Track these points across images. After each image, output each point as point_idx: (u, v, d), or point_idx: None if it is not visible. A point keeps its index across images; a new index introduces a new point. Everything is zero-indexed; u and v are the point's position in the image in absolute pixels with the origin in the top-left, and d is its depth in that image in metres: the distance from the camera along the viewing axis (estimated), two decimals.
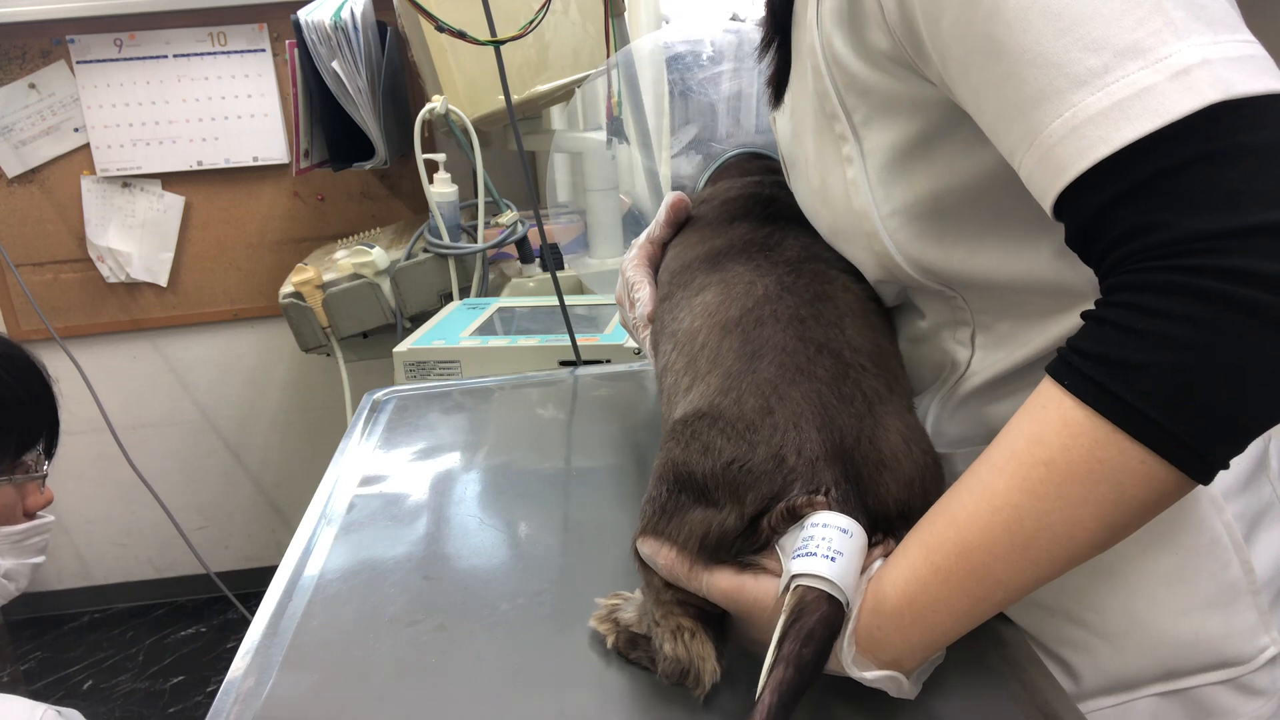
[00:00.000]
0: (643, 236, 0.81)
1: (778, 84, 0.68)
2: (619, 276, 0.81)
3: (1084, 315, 0.45)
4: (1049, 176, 0.44)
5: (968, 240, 0.57)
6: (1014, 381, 0.61)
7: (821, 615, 0.46)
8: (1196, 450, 0.41)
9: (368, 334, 1.87)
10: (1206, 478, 0.43)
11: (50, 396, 1.00)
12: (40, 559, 1.01)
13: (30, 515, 0.99)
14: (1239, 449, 0.42)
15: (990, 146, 0.49)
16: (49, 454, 1.02)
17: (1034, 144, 0.44)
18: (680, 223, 0.80)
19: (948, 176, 0.55)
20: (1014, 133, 0.45)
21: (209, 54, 2.19)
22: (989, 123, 0.48)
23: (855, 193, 0.59)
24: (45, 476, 1.01)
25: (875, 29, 0.53)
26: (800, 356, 0.56)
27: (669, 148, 1.39)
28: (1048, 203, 0.45)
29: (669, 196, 0.80)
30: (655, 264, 0.80)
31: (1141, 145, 0.41)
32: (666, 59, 1.21)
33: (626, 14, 1.56)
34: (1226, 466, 0.43)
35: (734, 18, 2.12)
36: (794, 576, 0.48)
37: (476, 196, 1.77)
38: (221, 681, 0.60)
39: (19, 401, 0.97)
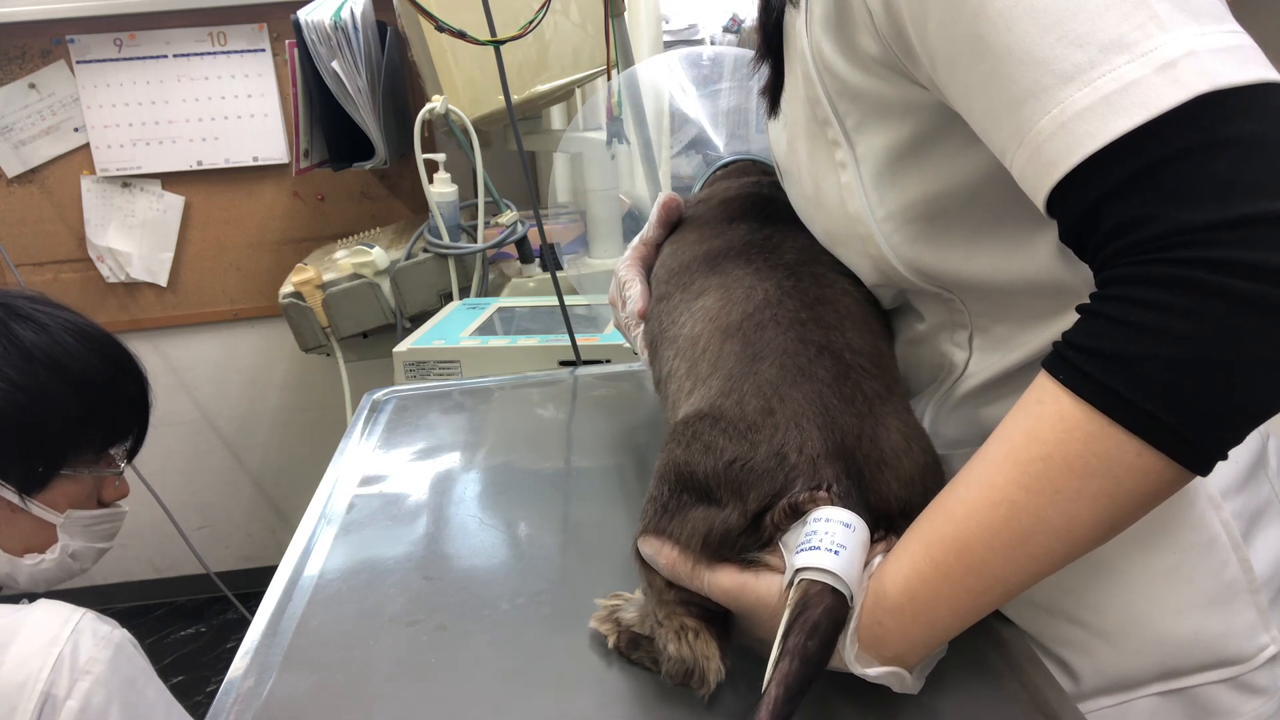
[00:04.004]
0: (636, 239, 0.81)
1: (773, 93, 0.68)
2: (612, 278, 0.82)
3: (1079, 309, 0.45)
4: (1040, 173, 0.44)
5: (964, 242, 0.57)
6: (1010, 383, 0.61)
7: (826, 608, 0.47)
8: (1193, 442, 0.42)
9: (368, 334, 1.87)
10: (1204, 469, 0.43)
11: (144, 396, 1.04)
12: (108, 545, 1.06)
13: (105, 504, 1.04)
14: (1236, 440, 0.42)
15: (983, 148, 0.49)
16: (133, 452, 1.07)
17: (1024, 141, 0.44)
18: (673, 223, 0.80)
19: (942, 179, 0.55)
20: (1004, 131, 0.46)
21: (209, 54, 2.19)
22: (979, 122, 0.48)
23: (850, 197, 0.59)
24: (122, 471, 1.06)
25: (864, 34, 0.53)
26: (801, 358, 0.56)
27: (669, 148, 1.39)
28: (1040, 200, 0.45)
29: (660, 197, 0.80)
30: (648, 264, 0.80)
31: (1130, 139, 0.41)
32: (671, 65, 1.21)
33: (626, 14, 1.56)
34: (1225, 457, 0.43)
35: (734, 17, 2.12)
36: (798, 570, 0.48)
37: (476, 196, 1.77)
38: (221, 681, 0.60)
39: (112, 395, 1.00)
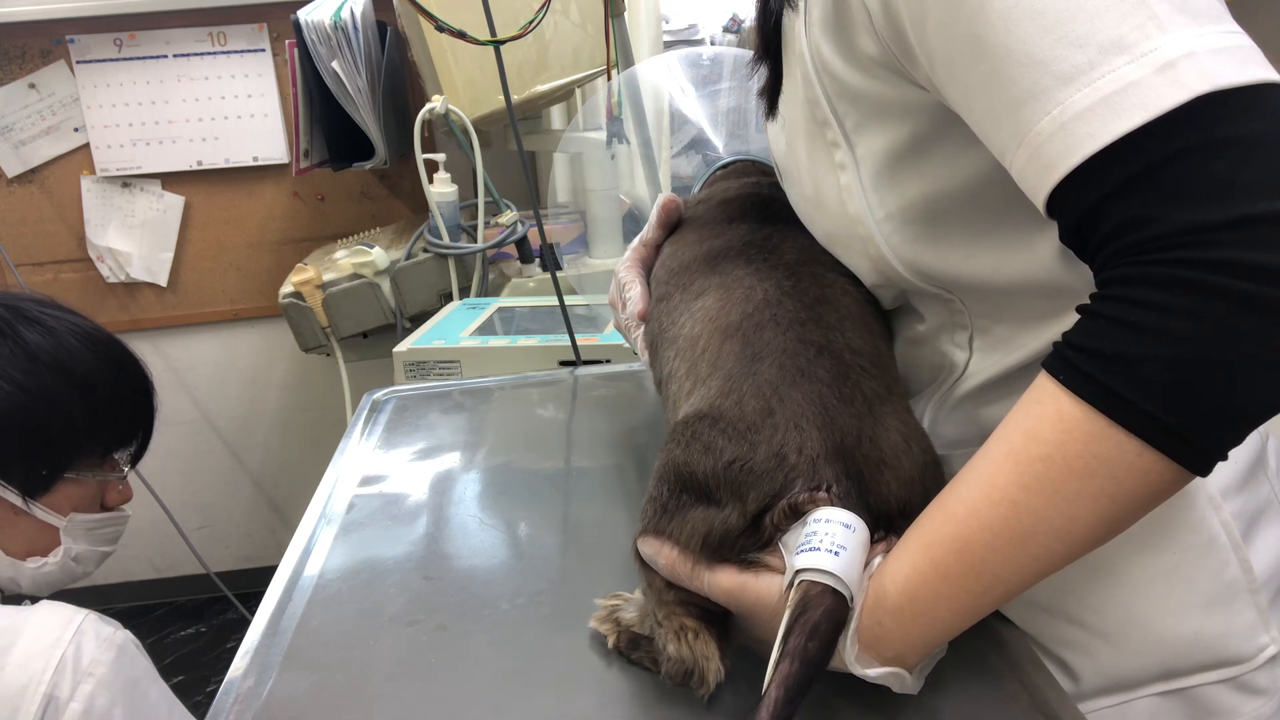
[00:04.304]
0: (636, 240, 0.81)
1: (771, 95, 0.68)
2: (612, 279, 0.82)
3: (1079, 309, 0.45)
4: (1040, 174, 0.44)
5: (963, 243, 0.57)
6: (1010, 384, 0.61)
7: (826, 609, 0.47)
8: (1193, 443, 0.42)
9: (368, 334, 1.87)
10: (1204, 470, 0.43)
11: (149, 401, 1.05)
12: (111, 548, 1.06)
13: (108, 508, 1.04)
14: (1237, 440, 0.42)
15: (982, 149, 0.49)
16: (137, 456, 1.07)
17: (1024, 142, 0.44)
18: (672, 224, 0.80)
19: (941, 180, 0.55)
20: (1004, 132, 0.46)
21: (209, 54, 2.19)
22: (979, 123, 0.48)
23: (849, 198, 0.60)
24: (125, 475, 1.06)
25: (863, 35, 0.53)
26: (801, 359, 0.56)
27: (669, 148, 1.39)
28: (1040, 201, 0.45)
29: (660, 197, 0.80)
30: (648, 265, 0.80)
31: (1130, 140, 0.41)
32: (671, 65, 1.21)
33: (626, 14, 1.56)
34: (1225, 458, 0.43)
35: (734, 17, 2.12)
36: (798, 571, 0.48)
37: (476, 196, 1.77)
38: (221, 681, 0.60)
39: (116, 399, 1.01)
